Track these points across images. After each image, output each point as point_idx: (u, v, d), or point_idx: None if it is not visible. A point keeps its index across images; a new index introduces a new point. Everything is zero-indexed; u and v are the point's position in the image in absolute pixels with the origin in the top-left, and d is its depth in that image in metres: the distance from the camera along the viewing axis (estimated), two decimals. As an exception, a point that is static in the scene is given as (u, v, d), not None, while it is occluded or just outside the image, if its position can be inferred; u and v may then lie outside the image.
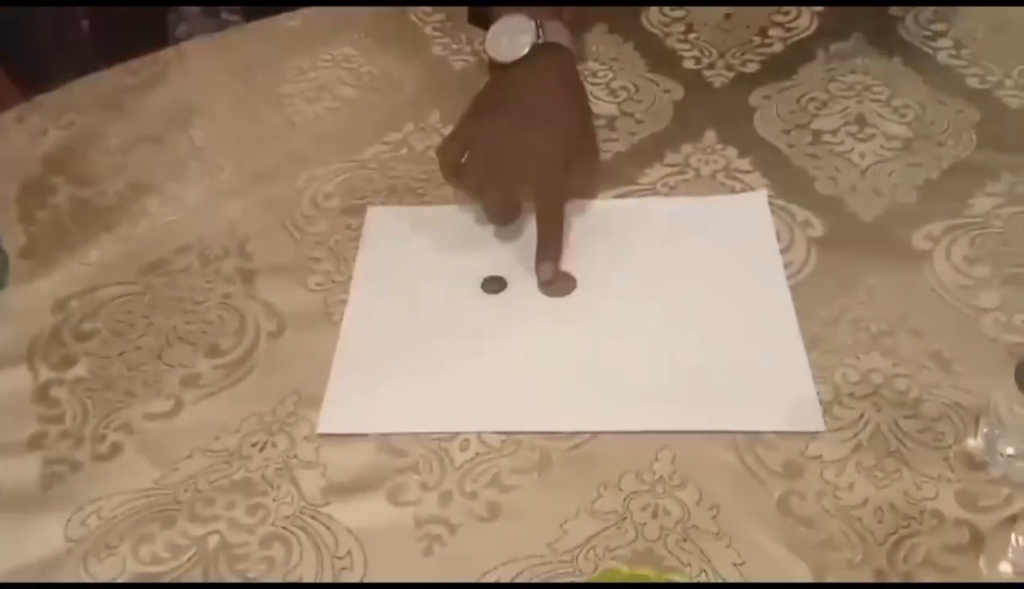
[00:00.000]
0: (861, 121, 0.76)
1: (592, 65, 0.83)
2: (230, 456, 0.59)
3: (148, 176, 0.78)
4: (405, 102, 0.82)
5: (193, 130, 0.82)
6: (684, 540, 0.52)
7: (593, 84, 0.81)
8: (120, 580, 0.53)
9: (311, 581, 0.52)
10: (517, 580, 0.51)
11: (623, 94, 0.80)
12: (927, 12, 0.85)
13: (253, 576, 0.53)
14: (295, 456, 0.58)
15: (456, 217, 0.71)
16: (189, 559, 0.54)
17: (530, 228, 0.68)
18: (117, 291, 0.69)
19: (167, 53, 0.94)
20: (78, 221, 0.75)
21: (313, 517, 0.55)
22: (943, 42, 0.82)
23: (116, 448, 0.60)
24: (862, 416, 0.57)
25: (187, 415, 0.61)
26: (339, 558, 0.53)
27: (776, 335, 0.61)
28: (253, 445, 0.59)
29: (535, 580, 0.51)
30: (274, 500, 0.56)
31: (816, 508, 0.53)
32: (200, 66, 0.90)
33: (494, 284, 0.66)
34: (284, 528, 0.55)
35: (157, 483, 0.58)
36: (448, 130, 0.76)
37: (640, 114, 0.78)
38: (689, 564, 0.51)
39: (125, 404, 0.62)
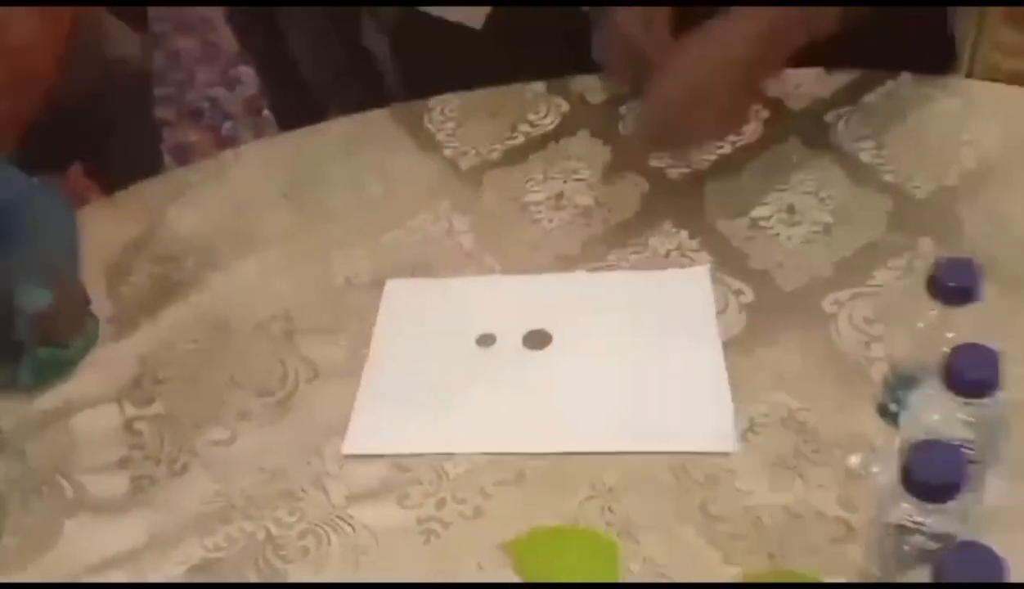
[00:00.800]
0: (791, 209, 0.92)
1: (574, 164, 1.01)
2: (274, 473, 0.75)
3: (212, 256, 0.96)
4: (420, 195, 1.00)
5: (248, 218, 1.00)
6: (625, 533, 0.67)
7: (576, 180, 0.99)
8: (189, 563, 0.70)
9: (336, 581, 0.67)
10: (493, 563, 0.66)
11: (599, 188, 0.97)
12: (856, 119, 1.02)
13: (292, 561, 0.69)
14: (326, 472, 0.74)
15: (457, 288, 0.88)
16: (242, 548, 0.70)
17: (513, 299, 0.85)
18: (188, 347, 0.87)
19: (227, 154, 1.14)
20: (155, 293, 0.93)
21: (339, 517, 0.71)
22: (867, 144, 0.99)
23: (186, 467, 0.76)
24: (770, 441, 0.72)
25: (241, 442, 0.78)
26: (358, 547, 0.69)
27: (708, 379, 0.77)
28: (293, 464, 0.75)
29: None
30: (308, 504, 0.72)
31: (728, 509, 0.68)
32: (253, 166, 1.09)
33: (486, 340, 0.83)
34: (316, 525, 0.71)
35: (218, 493, 0.74)
36: (456, 218, 0.94)
37: (612, 204, 0.96)
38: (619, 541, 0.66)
39: (193, 434, 0.79)
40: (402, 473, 0.73)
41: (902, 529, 0.52)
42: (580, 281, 0.88)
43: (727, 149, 1.00)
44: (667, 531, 0.67)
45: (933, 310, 0.60)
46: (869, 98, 1.03)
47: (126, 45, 1.30)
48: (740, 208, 0.93)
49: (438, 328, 0.85)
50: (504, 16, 1.20)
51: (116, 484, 0.76)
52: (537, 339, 0.82)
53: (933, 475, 0.49)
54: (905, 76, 1.05)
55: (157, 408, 0.81)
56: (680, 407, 0.75)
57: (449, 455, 0.74)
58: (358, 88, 1.55)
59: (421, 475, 0.73)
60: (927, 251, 0.85)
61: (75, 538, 0.72)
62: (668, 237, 0.91)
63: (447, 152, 1.05)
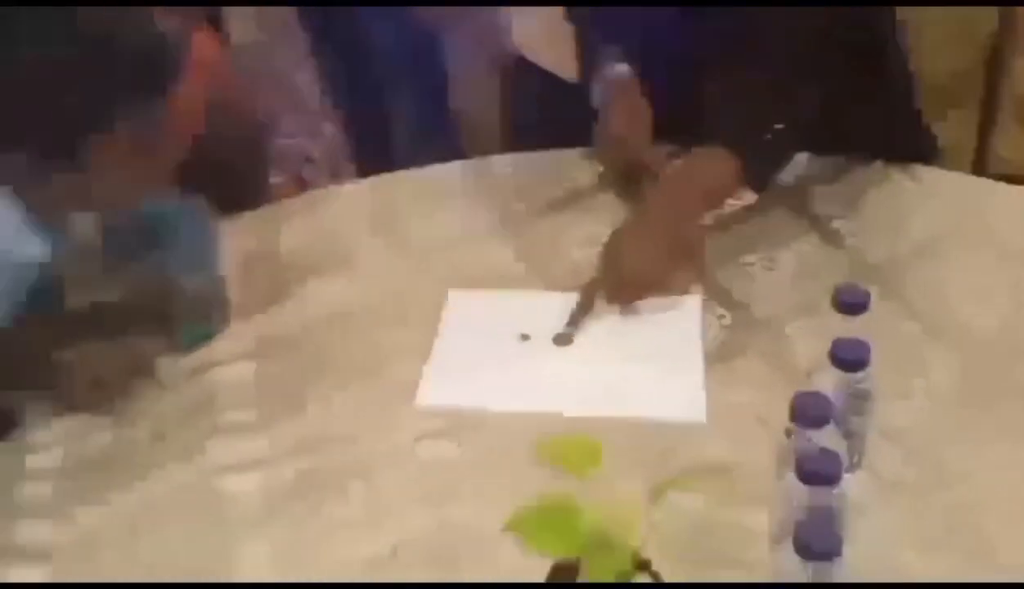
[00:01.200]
0: (773, 259, 1.17)
1: (605, 215, 1.27)
2: (361, 418, 1.01)
3: (312, 266, 1.22)
4: (479, 230, 1.27)
5: (340, 239, 1.28)
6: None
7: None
8: (297, 467, 0.95)
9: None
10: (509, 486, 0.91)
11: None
12: (832, 195, 1.27)
13: (370, 478, 0.94)
14: (398, 420, 1.00)
15: (505, 298, 1.14)
16: (337, 464, 0.95)
17: (547, 310, 1.11)
18: (294, 329, 1.13)
19: (322, 191, 1.42)
20: (270, 289, 1.19)
21: (408, 448, 0.97)
22: (838, 214, 1.23)
23: (297, 408, 1.02)
24: (735, 421, 0.96)
25: (337, 395, 1.04)
26: (422, 469, 0.94)
27: (687, 370, 1.02)
28: (376, 412, 1.01)
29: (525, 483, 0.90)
30: (384, 439, 0.98)
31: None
32: (345, 201, 1.37)
33: (524, 338, 1.09)
34: (390, 454, 0.96)
35: (321, 427, 1.00)
36: (509, 248, 1.21)
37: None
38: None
39: (301, 386, 1.05)
40: (457, 420, 0.99)
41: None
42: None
43: (728, 211, 1.25)
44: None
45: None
46: (845, 179, 1.29)
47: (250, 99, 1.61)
48: (731, 256, 1.18)
49: (488, 326, 1.11)
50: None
51: (243, 417, 1.02)
52: (563, 339, 1.08)
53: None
54: (878, 163, 1.30)
55: (273, 369, 1.08)
56: (664, 388, 1.00)
57: (488, 409, 1.00)
58: (440, 147, 1.86)
59: (467, 422, 0.98)
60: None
61: (215, 451, 0.98)
62: (672, 273, 1.17)
63: (505, 199, 1.32)
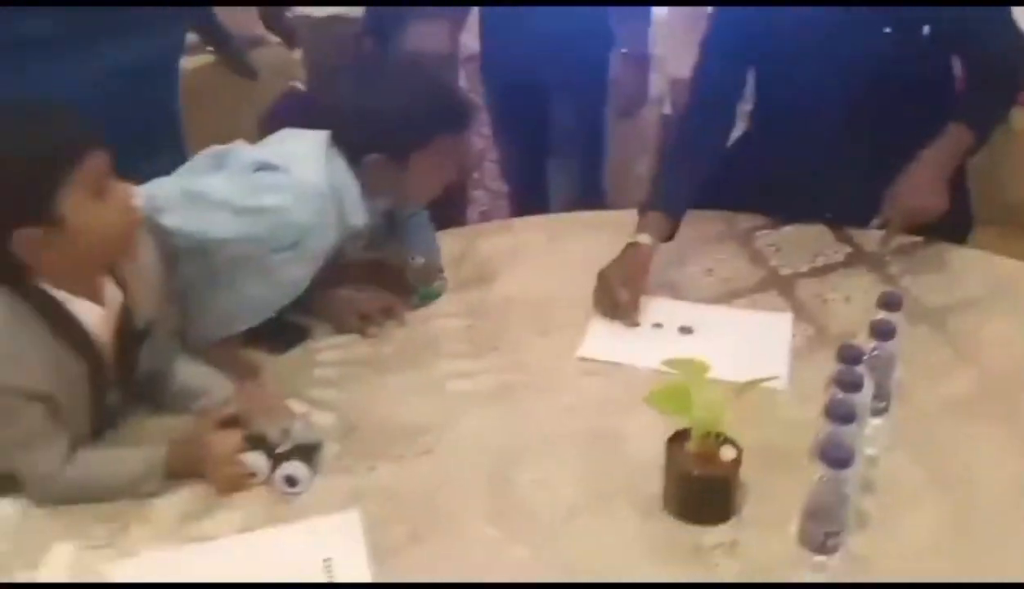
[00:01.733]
0: (848, 299, 1.57)
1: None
2: (526, 360, 1.44)
3: (498, 265, 1.68)
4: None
5: (517, 248, 1.73)
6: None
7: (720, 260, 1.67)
8: (499, 381, 1.38)
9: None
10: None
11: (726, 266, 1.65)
12: (902, 259, 1.66)
13: (529, 396, 1.37)
14: (563, 371, 1.43)
15: (647, 302, 1.57)
16: (499, 381, 1.39)
17: (677, 311, 1.53)
18: (488, 305, 1.58)
19: (508, 221, 1.89)
20: (470, 278, 1.65)
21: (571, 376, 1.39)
22: (905, 273, 1.63)
23: (490, 350, 1.46)
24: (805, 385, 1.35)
25: (519, 348, 1.48)
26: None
27: (777, 354, 1.42)
28: (539, 358, 1.44)
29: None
30: (546, 375, 1.41)
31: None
32: (521, 228, 1.83)
33: (658, 326, 1.51)
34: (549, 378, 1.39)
35: (513, 360, 1.44)
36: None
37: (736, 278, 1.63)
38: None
39: (492, 338, 1.49)
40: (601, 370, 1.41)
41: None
42: (718, 308, 1.57)
43: (822, 262, 1.66)
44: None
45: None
46: (912, 252, 1.69)
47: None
48: (819, 293, 1.59)
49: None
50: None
51: (458, 348, 1.47)
52: (687, 330, 1.50)
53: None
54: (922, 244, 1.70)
55: (476, 323, 1.53)
56: (760, 360, 1.40)
57: (633, 366, 1.41)
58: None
59: (613, 374, 1.40)
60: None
61: (440, 366, 1.43)
62: (771, 299, 1.58)
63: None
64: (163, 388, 1.33)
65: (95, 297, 1.19)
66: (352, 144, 1.42)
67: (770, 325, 1.51)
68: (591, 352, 1.46)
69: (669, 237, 1.61)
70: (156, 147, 1.56)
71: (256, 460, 1.19)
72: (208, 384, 1.33)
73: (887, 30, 1.56)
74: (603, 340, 1.48)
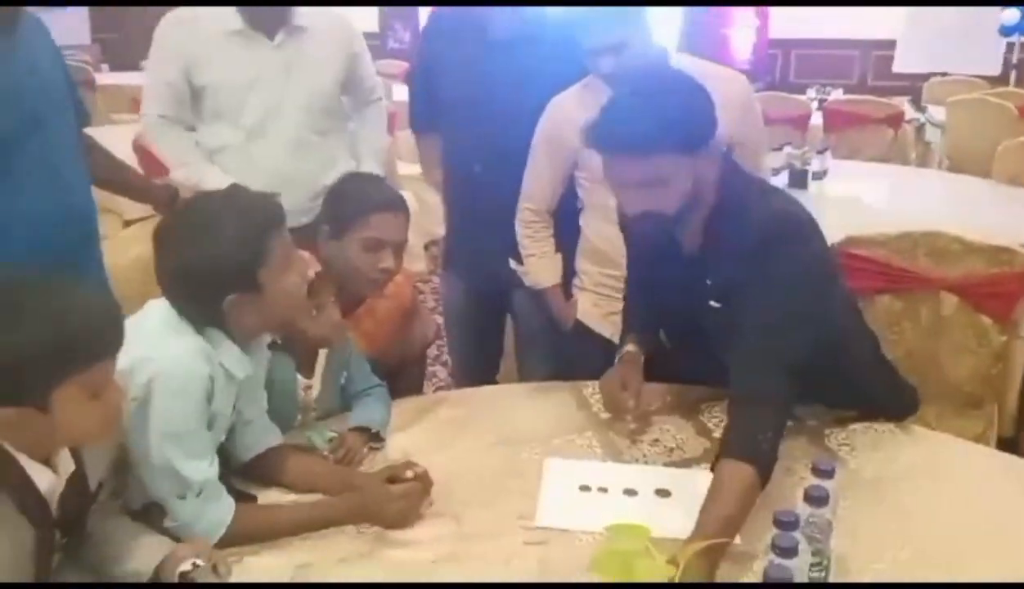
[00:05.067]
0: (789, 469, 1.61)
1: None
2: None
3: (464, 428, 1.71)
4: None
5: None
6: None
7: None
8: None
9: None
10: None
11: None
12: (839, 432, 1.71)
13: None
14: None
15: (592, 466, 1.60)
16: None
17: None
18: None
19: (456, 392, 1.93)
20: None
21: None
22: (844, 445, 1.67)
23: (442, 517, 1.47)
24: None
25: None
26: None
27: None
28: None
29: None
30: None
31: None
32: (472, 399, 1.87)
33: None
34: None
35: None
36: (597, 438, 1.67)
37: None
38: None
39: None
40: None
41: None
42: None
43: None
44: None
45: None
46: (850, 425, 1.74)
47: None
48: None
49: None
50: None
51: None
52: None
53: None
54: (869, 419, 1.76)
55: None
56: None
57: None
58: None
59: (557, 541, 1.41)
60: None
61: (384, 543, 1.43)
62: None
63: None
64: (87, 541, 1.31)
65: (51, 463, 1.19)
66: (204, 297, 1.39)
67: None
68: (547, 521, 1.48)
69: (650, 351, 1.82)
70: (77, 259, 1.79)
71: None
72: (133, 548, 1.30)
73: (708, 282, 1.63)
74: (554, 508, 1.51)
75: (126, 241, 2.05)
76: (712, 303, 1.63)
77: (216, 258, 1.37)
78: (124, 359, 1.31)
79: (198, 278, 1.38)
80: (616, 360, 1.81)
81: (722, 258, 1.59)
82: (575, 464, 1.63)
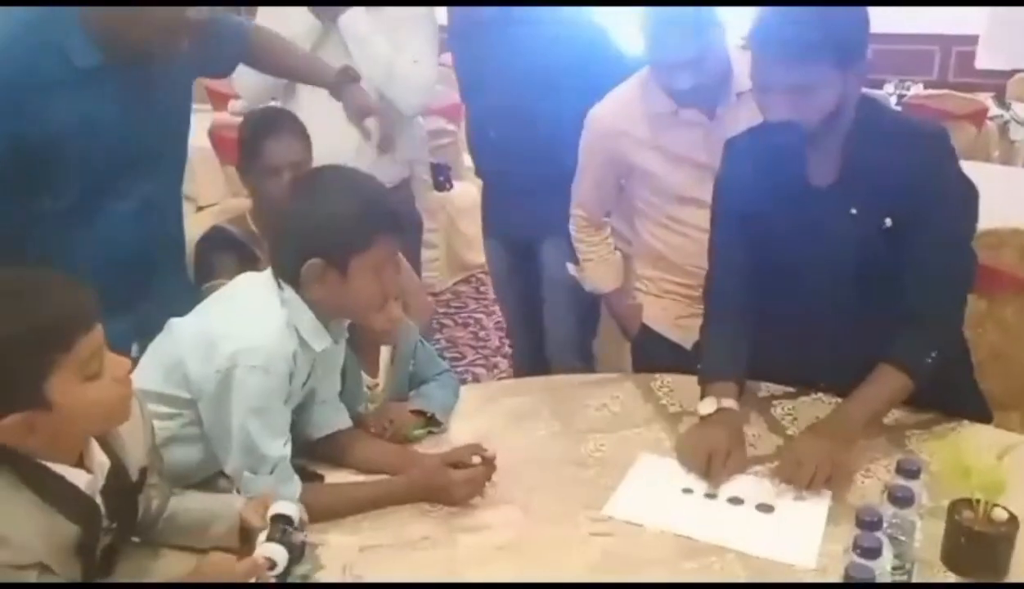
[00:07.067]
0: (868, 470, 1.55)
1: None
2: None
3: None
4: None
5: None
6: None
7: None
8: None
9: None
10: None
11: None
12: (919, 433, 1.64)
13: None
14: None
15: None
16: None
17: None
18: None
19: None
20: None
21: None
22: (920, 445, 1.61)
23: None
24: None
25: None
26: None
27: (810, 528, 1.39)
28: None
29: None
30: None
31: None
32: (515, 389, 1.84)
33: (686, 491, 1.50)
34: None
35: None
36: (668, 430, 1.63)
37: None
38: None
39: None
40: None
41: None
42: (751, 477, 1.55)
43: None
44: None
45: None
46: (932, 427, 1.67)
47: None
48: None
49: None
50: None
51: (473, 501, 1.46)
52: (726, 498, 1.49)
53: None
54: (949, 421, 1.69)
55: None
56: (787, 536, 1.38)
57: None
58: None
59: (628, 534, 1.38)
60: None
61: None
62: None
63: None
64: (164, 525, 1.33)
65: (80, 464, 1.16)
66: (291, 254, 1.39)
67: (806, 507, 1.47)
68: (618, 512, 1.45)
69: (739, 396, 1.66)
70: (162, 272, 1.74)
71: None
72: (216, 511, 1.33)
73: (853, 212, 1.59)
74: (631, 501, 1.48)
75: (198, 225, 2.06)
76: (860, 232, 1.57)
77: (329, 219, 1.38)
78: (210, 330, 1.37)
79: (308, 231, 1.39)
80: (702, 415, 1.62)
81: (874, 180, 1.56)
82: (672, 463, 1.59)
